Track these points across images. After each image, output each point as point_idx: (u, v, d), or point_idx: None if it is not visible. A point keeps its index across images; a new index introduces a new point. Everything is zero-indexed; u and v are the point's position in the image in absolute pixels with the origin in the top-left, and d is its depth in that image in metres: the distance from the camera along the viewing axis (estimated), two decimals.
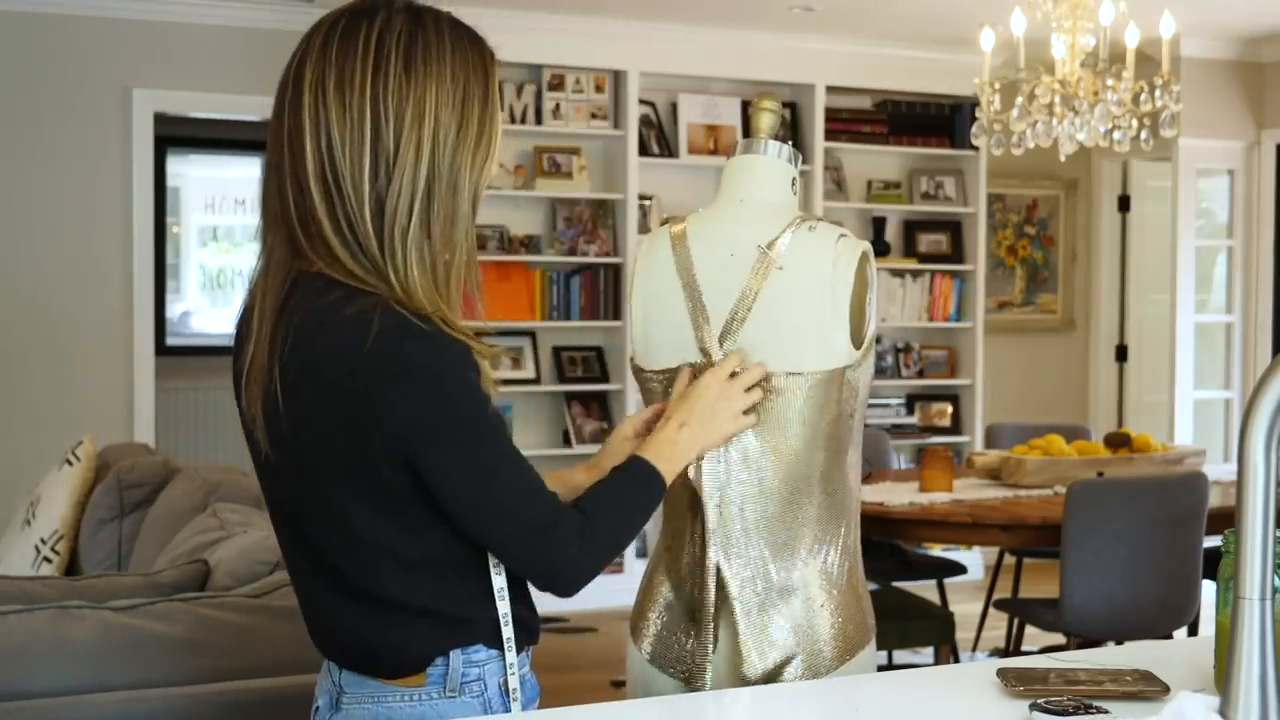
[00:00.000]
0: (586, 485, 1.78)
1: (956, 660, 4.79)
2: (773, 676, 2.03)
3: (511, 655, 1.69)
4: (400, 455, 1.57)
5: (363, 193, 1.58)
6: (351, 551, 1.63)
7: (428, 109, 1.59)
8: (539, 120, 6.70)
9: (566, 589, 1.69)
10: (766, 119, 2.14)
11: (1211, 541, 4.24)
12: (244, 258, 8.70)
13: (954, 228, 7.58)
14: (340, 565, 1.64)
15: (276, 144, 1.62)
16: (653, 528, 2.11)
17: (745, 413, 1.93)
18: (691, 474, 2.08)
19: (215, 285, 8.67)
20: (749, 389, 1.93)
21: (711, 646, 2.07)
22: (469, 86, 1.62)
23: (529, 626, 1.74)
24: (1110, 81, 4.90)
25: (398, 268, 1.58)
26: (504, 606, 1.68)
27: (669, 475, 1.82)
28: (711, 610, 2.06)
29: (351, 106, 1.58)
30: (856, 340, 2.05)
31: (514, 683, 1.69)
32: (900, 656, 5.43)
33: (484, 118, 1.64)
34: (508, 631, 1.68)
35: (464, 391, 1.57)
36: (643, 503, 1.77)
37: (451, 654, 1.65)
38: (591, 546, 1.67)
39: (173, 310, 8.51)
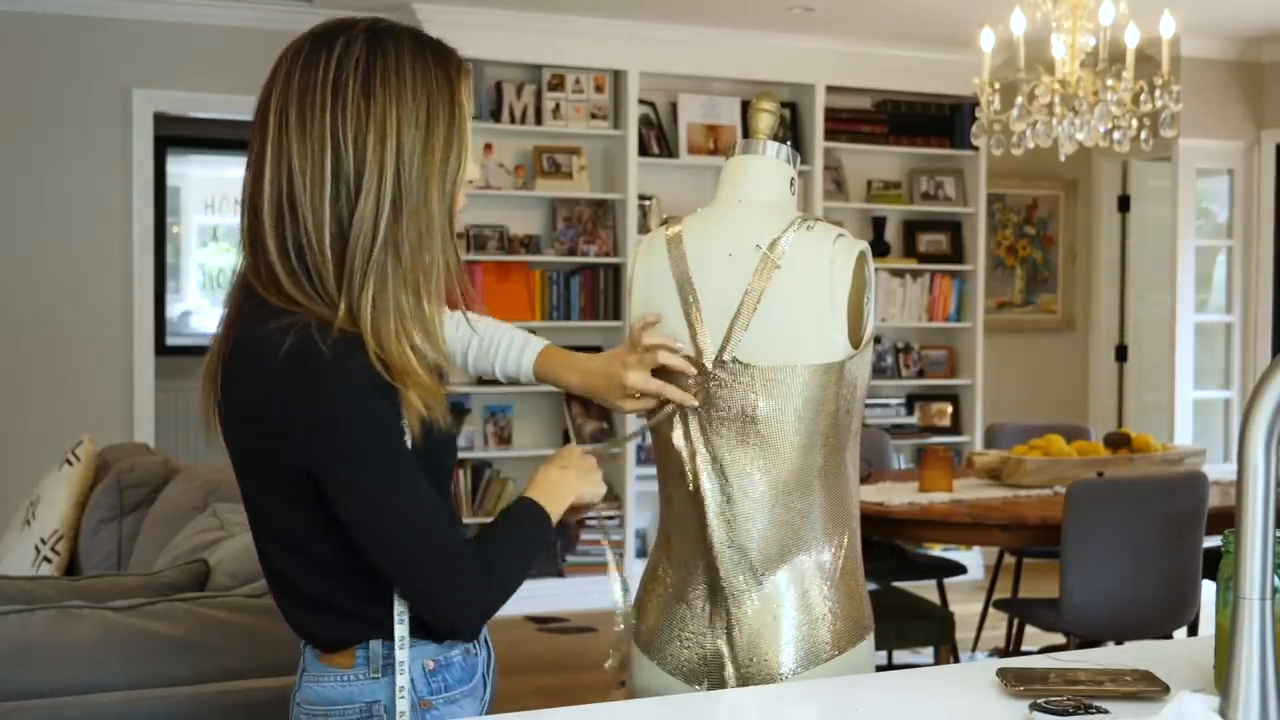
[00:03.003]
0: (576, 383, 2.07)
1: (956, 660, 4.79)
2: (771, 672, 2.04)
3: (403, 654, 1.71)
4: (303, 470, 1.63)
5: (322, 218, 1.61)
6: (279, 547, 1.73)
7: (389, 131, 1.61)
8: (539, 120, 6.70)
9: (462, 633, 1.74)
10: (765, 119, 2.15)
11: (1211, 541, 4.24)
12: None
13: (954, 228, 7.58)
14: (273, 557, 1.75)
15: (246, 168, 1.69)
16: (651, 526, 2.12)
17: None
18: (690, 473, 2.08)
19: (215, 285, 8.67)
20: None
21: (711, 643, 2.07)
22: (433, 102, 1.64)
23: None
24: (1110, 81, 4.90)
25: (353, 291, 1.61)
26: (401, 606, 1.70)
27: (555, 515, 1.82)
28: (711, 607, 2.07)
29: (312, 134, 1.62)
30: (854, 340, 2.06)
31: (403, 680, 1.71)
32: (900, 656, 5.43)
33: (450, 132, 1.65)
34: (401, 629, 1.70)
35: (360, 420, 1.60)
36: (536, 542, 1.80)
37: (371, 642, 1.72)
38: (491, 590, 1.69)
39: (173, 310, 8.51)
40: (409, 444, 1.63)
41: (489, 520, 1.81)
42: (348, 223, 1.61)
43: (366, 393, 1.59)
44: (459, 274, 1.69)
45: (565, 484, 1.85)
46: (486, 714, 1.85)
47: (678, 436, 2.11)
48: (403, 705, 1.69)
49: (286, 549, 1.72)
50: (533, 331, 6.92)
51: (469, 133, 1.68)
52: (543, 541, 1.81)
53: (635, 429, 2.05)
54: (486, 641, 1.86)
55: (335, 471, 1.60)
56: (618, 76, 6.81)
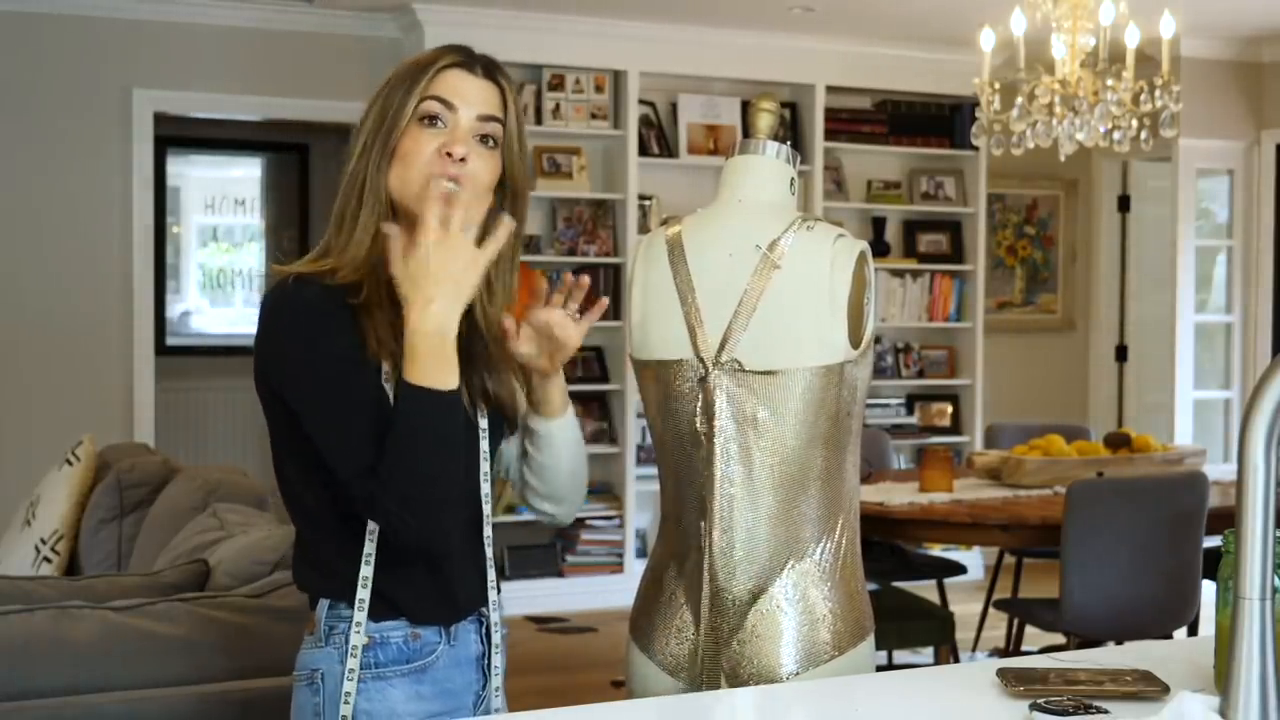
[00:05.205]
0: None
1: (956, 660, 4.79)
2: (772, 673, 2.04)
3: (360, 615, 1.77)
4: (270, 389, 1.77)
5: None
6: (281, 495, 1.87)
7: (359, 132, 1.83)
8: (539, 120, 6.70)
9: (401, 541, 1.72)
10: (765, 119, 2.15)
11: (1211, 541, 4.24)
12: (244, 258, 8.70)
13: (954, 228, 7.58)
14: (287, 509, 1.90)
15: None
16: (651, 527, 2.12)
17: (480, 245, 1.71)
18: (690, 472, 2.08)
19: (215, 285, 8.67)
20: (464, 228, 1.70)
21: (711, 643, 2.07)
22: (384, 102, 1.81)
23: (393, 603, 1.79)
24: (1110, 81, 4.90)
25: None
26: (366, 570, 1.77)
27: (438, 374, 1.66)
28: (711, 607, 2.07)
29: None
30: (855, 340, 2.06)
31: (356, 639, 1.77)
32: (900, 656, 5.42)
33: (379, 125, 1.80)
34: (363, 593, 1.77)
35: (289, 339, 1.74)
36: (426, 430, 1.66)
37: (320, 603, 1.81)
38: (395, 497, 1.67)
39: (173, 310, 8.50)
40: (379, 371, 1.73)
41: None
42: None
43: (308, 314, 1.73)
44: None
45: (432, 340, 1.66)
46: (491, 705, 1.87)
47: (678, 436, 2.11)
48: (353, 664, 1.77)
49: (285, 497, 1.86)
50: None
51: (404, 106, 1.79)
52: (439, 426, 1.67)
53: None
54: (483, 638, 1.87)
55: (282, 382, 1.74)
56: (618, 76, 6.81)
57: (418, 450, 1.65)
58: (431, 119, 1.79)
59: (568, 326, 1.86)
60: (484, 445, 1.86)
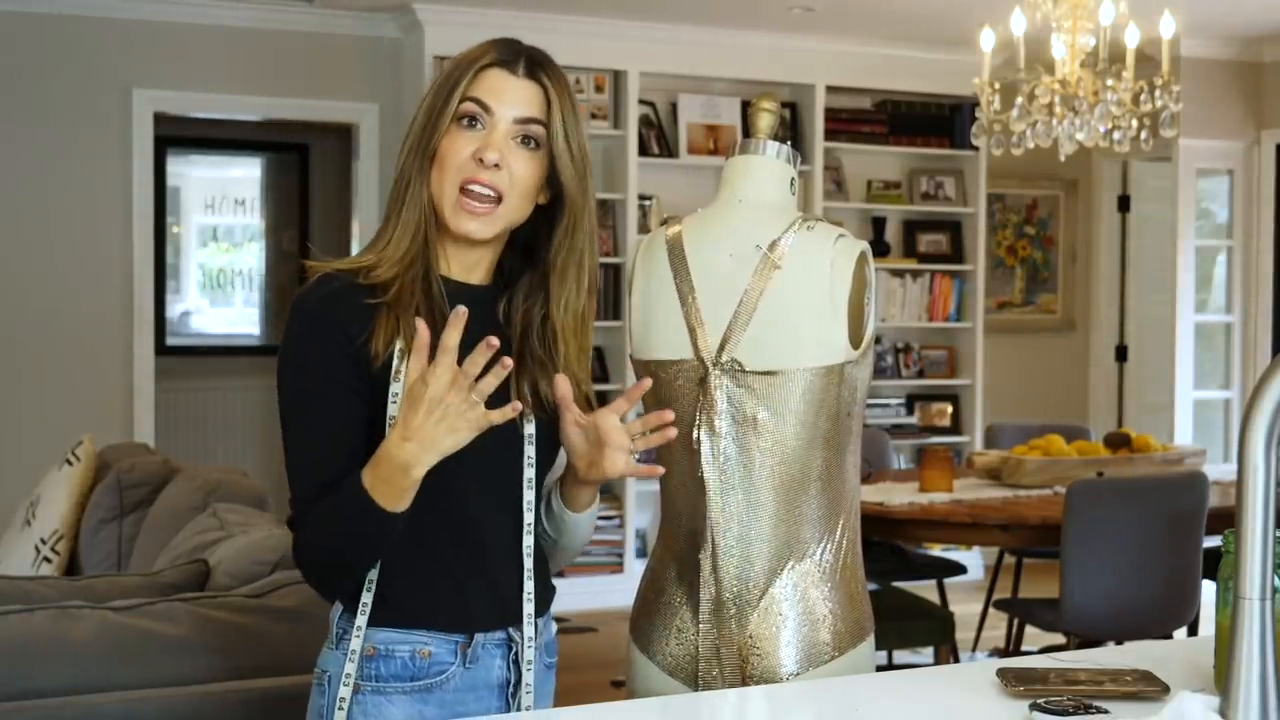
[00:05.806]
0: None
1: (956, 660, 4.79)
2: (772, 674, 2.04)
3: (361, 620, 1.73)
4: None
5: None
6: None
7: (408, 130, 1.82)
8: None
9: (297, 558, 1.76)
10: (765, 119, 2.15)
11: (1211, 541, 4.24)
12: (244, 258, 8.70)
13: (954, 228, 7.58)
14: None
15: None
16: (651, 527, 2.12)
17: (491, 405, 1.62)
18: (691, 473, 2.08)
19: (215, 285, 8.66)
20: (477, 381, 1.58)
21: (711, 644, 2.07)
22: (431, 100, 1.79)
23: (399, 607, 1.74)
24: (1110, 81, 4.90)
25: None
26: (372, 572, 1.73)
27: (388, 496, 1.62)
28: (712, 608, 2.07)
29: None
30: (855, 340, 2.05)
31: (355, 644, 1.73)
32: (900, 656, 5.43)
33: (426, 113, 1.79)
34: (366, 596, 1.73)
35: (292, 345, 1.73)
36: (352, 525, 1.65)
37: (335, 605, 1.77)
38: (299, 549, 1.72)
39: (173, 310, 8.50)
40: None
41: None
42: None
43: (307, 322, 1.72)
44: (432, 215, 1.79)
45: (395, 469, 1.61)
46: None
47: (679, 436, 2.10)
48: (350, 668, 1.73)
49: None
50: None
51: (442, 127, 1.77)
52: (363, 532, 1.66)
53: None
54: (512, 662, 1.76)
55: (277, 380, 1.75)
56: (618, 76, 6.81)
57: (335, 530, 1.67)
58: (470, 120, 1.75)
59: (616, 457, 1.75)
60: (530, 452, 1.76)
